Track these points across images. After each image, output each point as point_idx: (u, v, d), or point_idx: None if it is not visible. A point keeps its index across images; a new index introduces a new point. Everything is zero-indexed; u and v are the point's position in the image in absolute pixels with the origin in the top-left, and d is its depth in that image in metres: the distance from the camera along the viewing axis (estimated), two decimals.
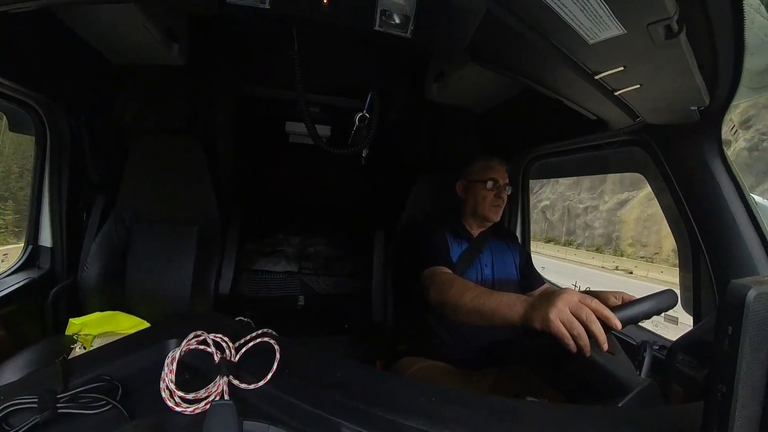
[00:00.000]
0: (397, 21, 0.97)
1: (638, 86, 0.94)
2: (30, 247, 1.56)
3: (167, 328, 0.81)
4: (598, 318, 0.76)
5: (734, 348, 0.45)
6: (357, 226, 2.56)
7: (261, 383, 0.65)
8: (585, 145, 1.64)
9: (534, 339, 0.84)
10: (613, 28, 0.72)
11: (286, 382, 0.66)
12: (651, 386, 0.86)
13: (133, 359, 0.72)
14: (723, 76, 0.89)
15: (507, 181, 1.51)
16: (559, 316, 0.77)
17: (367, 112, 1.47)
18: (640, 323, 1.06)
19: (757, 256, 1.06)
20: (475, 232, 1.55)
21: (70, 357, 0.99)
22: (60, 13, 1.26)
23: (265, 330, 0.79)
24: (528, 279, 1.57)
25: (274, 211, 2.71)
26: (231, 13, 0.98)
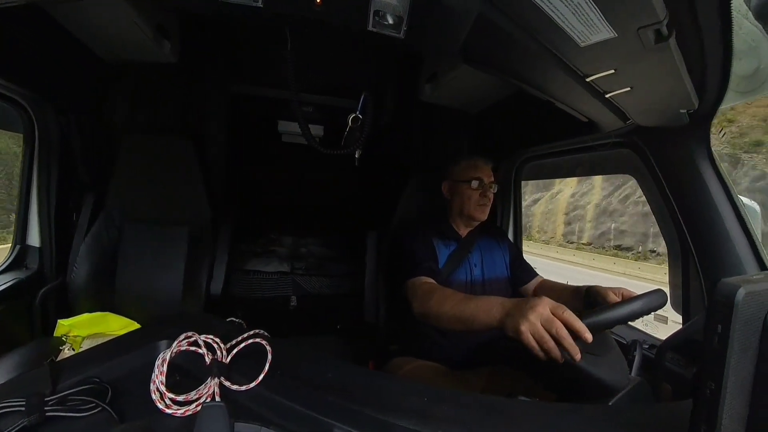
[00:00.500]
0: (391, 21, 0.97)
1: (629, 89, 0.95)
2: (18, 246, 1.53)
3: (158, 329, 0.80)
4: (571, 330, 0.77)
5: (723, 346, 0.45)
6: (350, 227, 2.56)
7: (253, 384, 0.64)
8: (576, 146, 1.66)
9: (509, 342, 0.86)
10: (604, 32, 0.73)
11: (277, 383, 0.65)
12: (641, 384, 0.88)
13: (123, 361, 0.71)
14: (711, 80, 0.91)
15: (492, 179, 1.52)
16: (530, 329, 0.79)
17: (360, 113, 1.47)
18: (630, 323, 1.08)
19: (745, 256, 1.08)
20: (463, 232, 1.55)
21: (58, 359, 0.98)
22: (49, 8, 1.24)
23: (256, 331, 0.79)
24: (519, 275, 1.57)
25: (266, 211, 2.70)
26: (223, 11, 0.98)
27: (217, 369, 0.66)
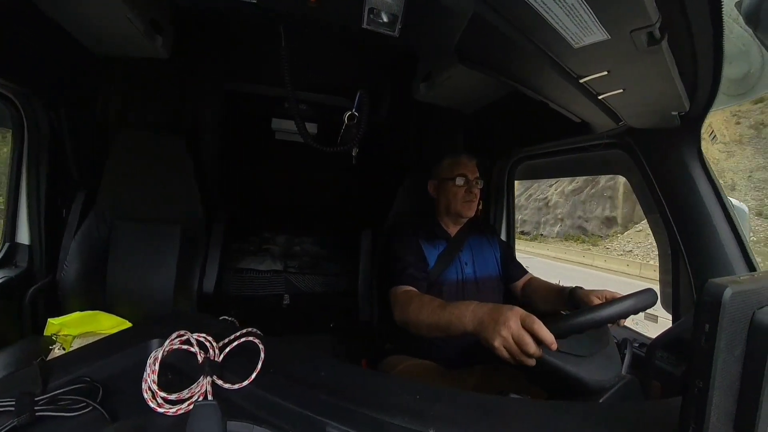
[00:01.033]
0: (385, 20, 0.97)
1: (621, 91, 0.96)
2: (7, 244, 1.50)
3: (150, 327, 0.80)
4: (539, 339, 0.80)
5: (711, 345, 0.46)
6: (344, 225, 2.56)
7: (245, 383, 0.64)
8: (570, 147, 1.67)
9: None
10: (597, 34, 0.74)
11: (270, 381, 0.65)
12: (631, 382, 0.89)
13: (114, 360, 0.70)
14: (703, 83, 0.92)
15: (477, 175, 1.52)
16: (503, 344, 0.83)
17: (356, 111, 1.46)
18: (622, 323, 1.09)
19: (733, 256, 1.09)
20: (453, 230, 1.55)
21: (48, 358, 0.96)
22: (38, 1, 1.22)
23: (249, 329, 0.78)
24: (509, 272, 1.58)
25: (259, 209, 2.69)
26: (216, 6, 0.97)
27: (210, 368, 0.66)
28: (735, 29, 0.83)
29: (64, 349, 1.10)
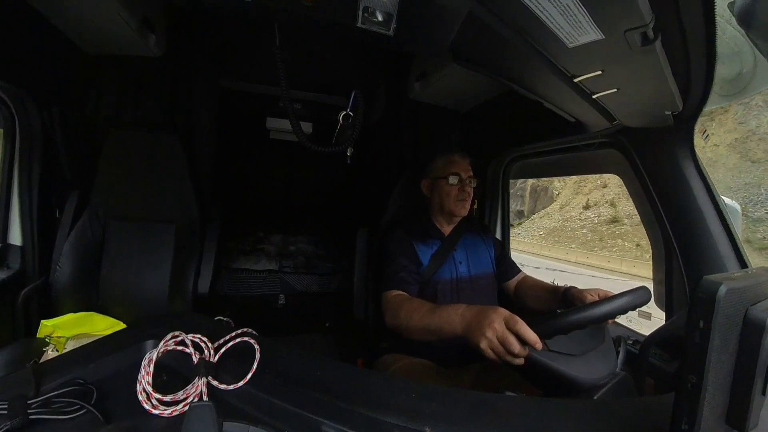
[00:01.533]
0: (380, 18, 0.97)
1: (615, 90, 0.97)
2: None
3: (144, 328, 0.79)
4: (524, 340, 0.82)
5: (705, 341, 0.47)
6: (339, 224, 2.55)
7: (241, 383, 0.64)
8: (564, 146, 1.68)
9: None
10: (591, 33, 0.74)
11: (266, 381, 0.65)
12: (625, 379, 0.90)
13: (108, 361, 0.70)
14: (695, 83, 0.93)
15: (470, 173, 1.51)
16: (489, 345, 0.85)
17: (351, 111, 1.46)
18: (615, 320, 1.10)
19: (726, 254, 1.10)
20: (447, 229, 1.55)
21: (42, 360, 0.96)
22: None
23: (244, 329, 0.78)
24: (503, 271, 1.58)
25: (254, 208, 2.68)
26: (210, 3, 0.96)
27: (205, 368, 0.66)
28: (728, 30, 0.84)
29: (57, 351, 1.09)
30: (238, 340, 0.74)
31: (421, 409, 0.62)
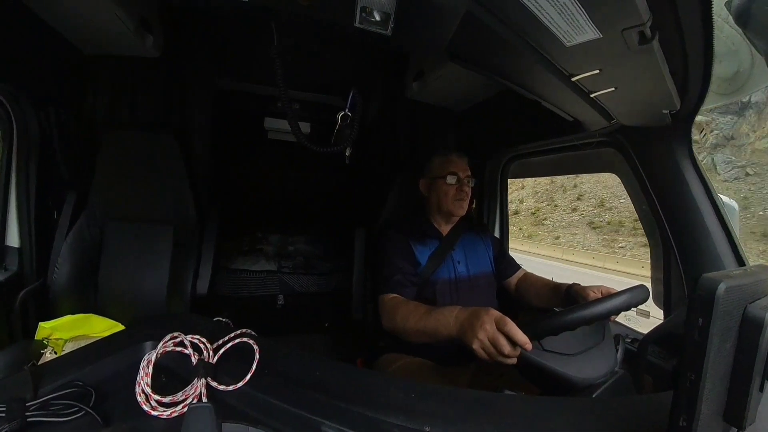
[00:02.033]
0: (378, 18, 0.96)
1: (613, 89, 0.97)
2: None
3: (142, 330, 0.79)
4: (514, 340, 0.84)
5: (704, 338, 0.47)
6: (337, 224, 2.55)
7: (240, 384, 0.64)
8: (562, 145, 1.68)
9: None
10: (589, 32, 0.74)
11: (265, 382, 0.65)
12: (623, 377, 0.90)
13: (106, 363, 0.70)
14: (693, 82, 0.93)
15: (468, 173, 1.51)
16: (481, 346, 0.88)
17: (349, 111, 1.46)
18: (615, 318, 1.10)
19: (724, 252, 1.11)
20: (445, 229, 1.55)
21: (40, 362, 0.96)
22: None
23: (243, 330, 0.78)
24: (502, 269, 1.58)
25: (253, 208, 2.67)
26: (206, 3, 0.96)
27: (204, 369, 0.65)
28: (725, 29, 0.84)
29: (55, 353, 1.08)
30: (237, 340, 0.74)
31: (420, 408, 0.62)
